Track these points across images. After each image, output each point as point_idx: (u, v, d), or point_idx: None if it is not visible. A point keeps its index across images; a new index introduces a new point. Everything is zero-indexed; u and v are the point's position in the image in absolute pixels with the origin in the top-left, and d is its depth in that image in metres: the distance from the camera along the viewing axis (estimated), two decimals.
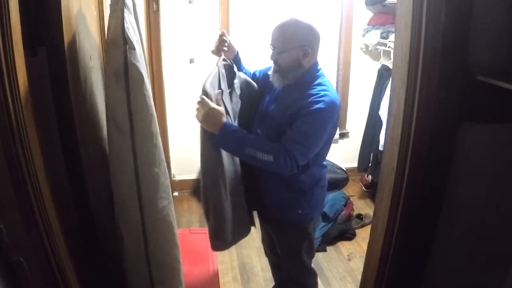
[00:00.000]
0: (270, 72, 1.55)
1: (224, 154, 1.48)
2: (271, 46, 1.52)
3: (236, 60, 1.70)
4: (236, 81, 1.61)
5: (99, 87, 1.48)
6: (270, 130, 1.54)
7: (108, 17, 1.24)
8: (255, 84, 1.70)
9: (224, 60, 1.62)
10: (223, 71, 1.55)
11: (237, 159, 1.61)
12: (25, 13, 0.97)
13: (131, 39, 1.13)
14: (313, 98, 1.43)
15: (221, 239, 1.52)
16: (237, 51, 1.71)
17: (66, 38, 1.14)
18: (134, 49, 1.14)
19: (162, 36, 3.08)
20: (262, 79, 1.74)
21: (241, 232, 1.69)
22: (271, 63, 1.68)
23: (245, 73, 1.74)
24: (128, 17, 1.15)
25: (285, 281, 1.91)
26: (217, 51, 1.63)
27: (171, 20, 3.09)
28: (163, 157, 1.31)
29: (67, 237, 1.11)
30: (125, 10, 1.14)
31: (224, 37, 1.64)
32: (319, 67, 1.55)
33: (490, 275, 1.25)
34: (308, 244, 1.73)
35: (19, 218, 0.93)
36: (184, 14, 3.09)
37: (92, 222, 1.32)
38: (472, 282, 1.29)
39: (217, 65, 1.56)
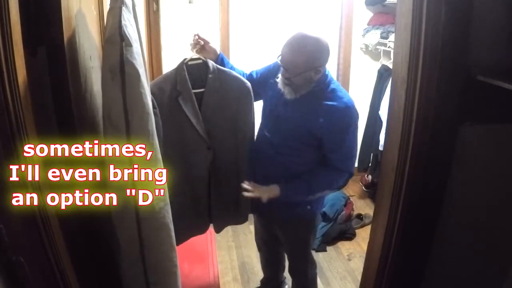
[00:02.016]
0: (278, 81, 1.56)
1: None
2: (283, 66, 1.51)
3: (219, 61, 1.68)
4: (210, 75, 1.58)
5: (99, 87, 1.47)
6: (284, 134, 1.62)
7: (106, 15, 1.24)
8: (244, 81, 1.66)
9: (193, 59, 1.59)
10: (183, 73, 1.54)
11: (201, 162, 1.65)
12: (25, 13, 0.97)
13: (128, 36, 1.11)
14: (337, 111, 1.52)
15: None
16: (220, 52, 1.70)
17: (66, 38, 1.14)
18: (131, 46, 1.12)
19: (162, 36, 3.09)
20: (260, 79, 1.75)
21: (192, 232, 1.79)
22: (270, 62, 1.70)
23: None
24: (126, 15, 1.14)
25: (290, 273, 2.01)
26: (192, 48, 1.64)
27: (171, 20, 3.09)
28: (160, 157, 1.28)
29: (67, 237, 1.10)
30: (123, 8, 1.12)
31: (198, 40, 1.64)
32: (327, 73, 1.57)
33: (490, 276, 1.25)
34: (313, 235, 1.88)
35: (19, 218, 0.93)
36: (184, 14, 3.09)
37: (93, 221, 1.32)
38: (472, 282, 1.29)
39: (176, 67, 1.56)
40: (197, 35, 1.64)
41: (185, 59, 1.58)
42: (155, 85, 1.49)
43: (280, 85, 1.55)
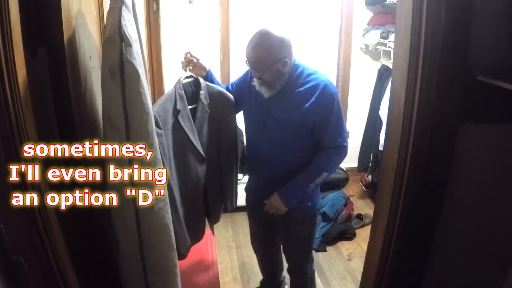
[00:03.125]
0: (255, 84, 1.61)
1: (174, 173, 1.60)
2: (250, 67, 1.58)
3: (208, 78, 1.74)
4: (202, 91, 1.65)
5: (99, 87, 1.47)
6: (278, 134, 1.63)
7: (106, 15, 1.24)
8: (228, 94, 1.74)
9: (187, 77, 1.66)
10: (180, 92, 1.58)
11: (197, 174, 1.71)
12: (25, 13, 0.97)
13: (128, 36, 1.12)
14: (316, 92, 1.55)
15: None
16: (208, 69, 1.75)
17: (66, 38, 1.14)
18: (131, 46, 1.13)
19: (162, 36, 3.09)
20: (236, 91, 1.80)
21: (194, 240, 1.85)
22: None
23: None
24: (126, 15, 1.14)
25: (290, 271, 2.02)
26: (184, 67, 1.68)
27: (171, 20, 3.09)
28: (160, 157, 1.29)
29: (67, 237, 1.10)
30: (123, 8, 1.12)
31: (190, 58, 1.68)
32: (297, 63, 1.61)
33: (490, 275, 1.25)
34: (315, 229, 1.92)
35: (19, 218, 0.93)
36: (184, 14, 3.09)
37: (93, 222, 1.32)
38: (472, 282, 1.29)
39: (174, 86, 1.60)
40: (189, 53, 1.68)
41: (180, 77, 1.63)
42: (159, 106, 1.53)
43: (257, 88, 1.60)
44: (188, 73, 1.66)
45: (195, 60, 1.69)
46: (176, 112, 1.57)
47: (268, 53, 1.50)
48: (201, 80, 1.66)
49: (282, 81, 1.56)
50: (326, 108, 1.56)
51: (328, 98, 1.56)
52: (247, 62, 1.56)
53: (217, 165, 1.81)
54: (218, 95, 1.71)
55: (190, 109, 1.62)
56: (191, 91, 1.66)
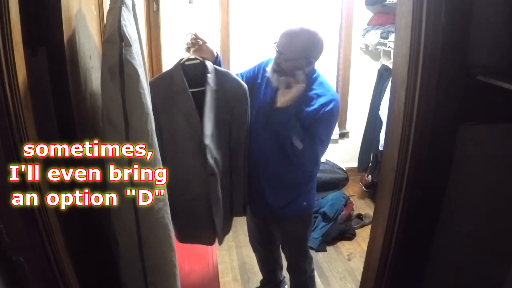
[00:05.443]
0: (268, 69, 1.58)
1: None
2: (277, 50, 1.54)
3: (217, 64, 1.66)
4: (210, 75, 1.56)
5: (99, 87, 1.47)
6: (274, 130, 1.60)
7: (106, 15, 1.23)
8: (242, 82, 1.64)
9: (190, 59, 1.58)
10: (179, 73, 1.53)
11: (198, 163, 1.62)
12: (25, 13, 0.97)
13: (128, 37, 1.12)
14: (321, 100, 1.54)
15: None
16: (217, 54, 1.67)
17: (66, 38, 1.14)
18: (130, 46, 1.12)
19: (162, 36, 3.09)
20: (247, 81, 1.74)
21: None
22: (256, 63, 1.75)
23: None
24: (126, 15, 1.14)
25: (289, 270, 2.02)
26: (186, 48, 1.61)
27: (171, 20, 3.09)
28: (159, 157, 1.29)
29: (67, 237, 1.10)
30: (123, 7, 1.12)
31: (196, 40, 1.60)
32: (315, 68, 1.61)
33: (490, 275, 1.25)
34: (310, 229, 1.91)
35: (19, 218, 0.93)
36: (184, 14, 3.09)
37: (93, 222, 1.32)
38: (472, 282, 1.29)
39: (172, 68, 1.56)
40: (195, 34, 1.60)
41: (181, 59, 1.57)
42: (149, 84, 1.48)
43: (269, 73, 1.57)
44: (192, 56, 1.58)
45: (200, 42, 1.60)
46: (171, 92, 1.52)
47: (302, 46, 1.50)
48: (207, 63, 1.57)
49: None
50: (320, 119, 1.55)
51: (328, 112, 1.54)
52: (277, 44, 1.53)
53: (227, 158, 1.71)
54: (230, 82, 1.61)
55: (194, 92, 1.55)
56: (196, 73, 1.58)
